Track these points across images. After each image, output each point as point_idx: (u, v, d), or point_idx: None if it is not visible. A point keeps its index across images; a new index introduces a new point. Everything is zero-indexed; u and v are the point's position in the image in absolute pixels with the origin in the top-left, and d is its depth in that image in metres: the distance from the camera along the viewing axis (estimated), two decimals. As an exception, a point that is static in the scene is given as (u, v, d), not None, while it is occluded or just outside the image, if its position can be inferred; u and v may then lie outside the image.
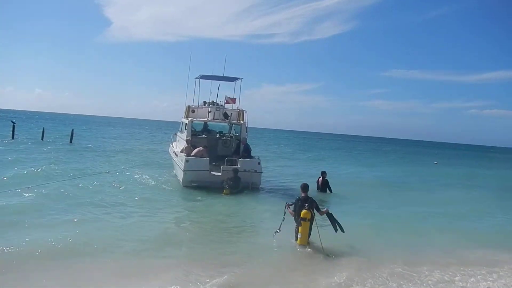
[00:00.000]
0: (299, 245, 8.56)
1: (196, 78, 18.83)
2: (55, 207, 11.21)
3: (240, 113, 18.34)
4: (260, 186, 16.41)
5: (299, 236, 8.55)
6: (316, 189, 16.90)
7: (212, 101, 18.63)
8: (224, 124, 19.02)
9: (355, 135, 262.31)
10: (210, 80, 19.19)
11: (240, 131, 18.02)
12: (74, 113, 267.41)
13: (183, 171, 15.39)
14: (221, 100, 18.53)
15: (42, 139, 35.79)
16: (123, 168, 19.42)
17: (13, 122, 37.49)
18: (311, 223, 8.50)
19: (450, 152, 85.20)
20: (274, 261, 8.22)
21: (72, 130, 37.63)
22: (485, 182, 27.14)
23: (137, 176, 17.61)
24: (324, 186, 17.11)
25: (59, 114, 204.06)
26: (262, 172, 16.30)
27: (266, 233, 9.69)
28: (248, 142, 17.58)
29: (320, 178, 17.31)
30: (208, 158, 15.83)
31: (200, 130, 18.98)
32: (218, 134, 19.00)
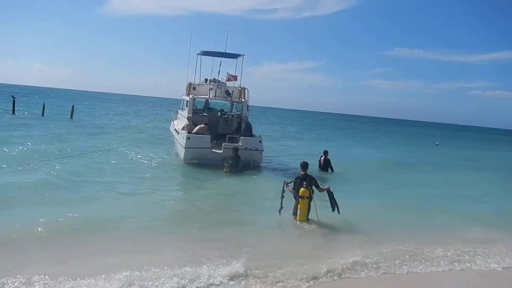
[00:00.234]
0: (298, 221, 8.80)
1: (198, 54, 18.58)
2: (56, 184, 11.20)
3: (242, 91, 18.17)
4: (262, 165, 16.39)
5: (298, 213, 8.79)
6: (318, 168, 16.99)
7: (214, 78, 18.45)
8: (226, 102, 18.86)
9: (356, 115, 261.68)
10: (212, 57, 18.94)
11: (242, 109, 17.87)
12: (75, 88, 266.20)
13: (184, 148, 15.36)
14: (222, 78, 18.37)
15: (42, 114, 35.69)
16: (123, 146, 19.36)
17: (14, 97, 37.34)
18: (310, 201, 8.70)
19: (451, 134, 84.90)
20: (276, 238, 8.36)
21: (73, 106, 37.50)
22: (488, 163, 26.88)
23: (138, 153, 17.55)
24: (325, 165, 17.13)
25: (59, 89, 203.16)
26: (263, 150, 16.26)
27: (267, 210, 9.80)
28: (250, 120, 17.47)
29: (322, 157, 17.33)
30: (209, 136, 15.78)
31: (201, 108, 18.82)
32: (219, 113, 18.86)
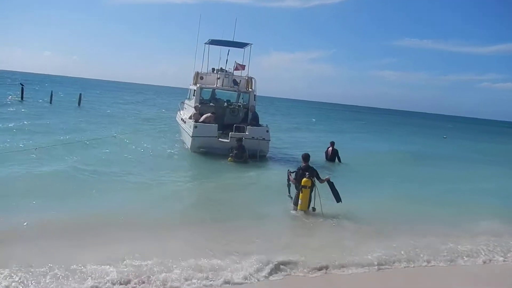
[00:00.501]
0: (299, 210, 8.99)
1: (206, 43, 18.47)
2: (64, 174, 11.19)
3: (249, 80, 18.06)
4: (268, 155, 16.34)
5: (299, 202, 8.98)
6: (325, 159, 17.06)
7: (221, 67, 18.35)
8: (232, 93, 18.77)
9: (363, 106, 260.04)
10: (219, 46, 18.80)
11: (249, 99, 17.78)
12: (83, 76, 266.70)
13: (192, 136, 15.36)
14: (230, 67, 18.27)
15: (50, 102, 35.90)
16: (129, 134, 19.39)
17: (22, 85, 37.65)
18: (311, 191, 8.92)
19: (462, 127, 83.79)
20: (281, 226, 8.51)
21: (80, 94, 37.72)
22: (502, 157, 26.48)
23: (144, 142, 17.60)
24: (333, 156, 17.13)
25: (68, 77, 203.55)
26: (270, 140, 16.21)
27: (274, 201, 9.83)
28: (256, 110, 17.40)
29: (330, 148, 17.32)
30: (216, 125, 15.77)
31: (207, 98, 18.74)
32: (226, 103, 18.80)
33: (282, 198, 9.54)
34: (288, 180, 9.36)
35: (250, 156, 15.23)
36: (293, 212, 9.08)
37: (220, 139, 15.52)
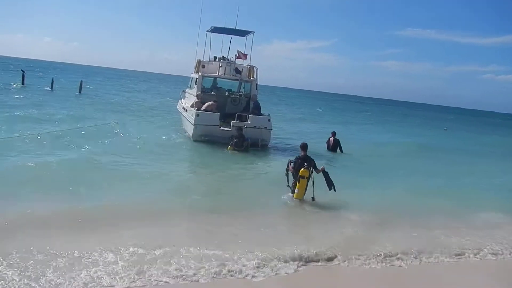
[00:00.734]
0: (295, 198, 9.14)
1: (208, 31, 18.34)
2: (67, 161, 11.15)
3: (251, 69, 17.98)
4: (270, 144, 16.33)
5: (296, 191, 9.14)
6: (326, 149, 17.14)
7: (223, 56, 18.25)
8: (233, 82, 18.70)
9: (364, 96, 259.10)
10: (221, 35, 18.66)
11: (250, 88, 17.73)
12: (84, 63, 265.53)
13: (194, 125, 15.35)
14: (231, 56, 18.16)
15: (51, 88, 35.87)
16: (130, 122, 19.39)
17: (23, 71, 37.60)
18: (308, 181, 9.07)
19: (464, 118, 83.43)
20: (283, 217, 8.62)
21: (81, 81, 37.67)
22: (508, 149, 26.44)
23: (145, 130, 17.65)
24: (334, 146, 17.19)
25: (69, 64, 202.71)
26: (272, 129, 16.20)
27: (274, 190, 9.85)
28: (260, 101, 17.35)
29: (331, 138, 17.37)
30: (218, 113, 15.76)
31: (209, 87, 18.67)
32: (227, 92, 18.74)
33: (282, 188, 9.53)
34: (287, 169, 9.43)
35: (251, 145, 15.22)
36: (285, 197, 9.24)
37: (222, 127, 15.51)
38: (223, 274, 5.45)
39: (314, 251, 6.31)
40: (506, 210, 10.11)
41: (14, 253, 5.37)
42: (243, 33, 18.55)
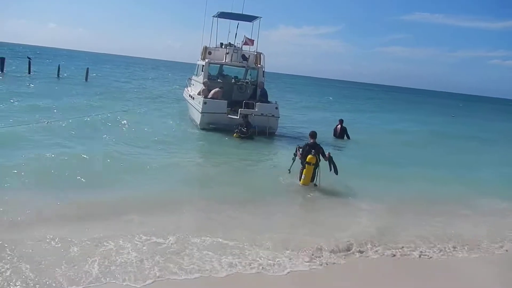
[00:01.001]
0: (301, 184, 9.28)
1: (214, 16, 18.13)
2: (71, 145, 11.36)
3: (258, 56, 17.81)
4: (277, 132, 16.25)
5: (302, 177, 9.29)
6: (333, 136, 17.20)
7: (229, 42, 18.07)
8: (240, 69, 18.55)
9: (371, 83, 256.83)
10: (227, 20, 18.44)
11: (257, 75, 17.58)
12: (89, 50, 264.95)
13: (201, 113, 15.30)
14: (238, 42, 17.98)
15: (58, 76, 35.87)
16: (137, 111, 19.35)
17: (29, 58, 37.53)
18: (315, 168, 9.22)
19: (473, 105, 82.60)
20: (291, 203, 8.66)
21: (87, 68, 37.56)
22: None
23: (152, 119, 17.63)
24: (341, 133, 17.24)
25: (74, 51, 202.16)
26: (279, 117, 16.12)
27: (281, 177, 9.91)
28: (267, 88, 17.24)
29: (338, 126, 17.41)
30: (226, 101, 15.69)
31: (215, 74, 18.54)
32: (233, 79, 18.59)
33: (286, 174, 9.74)
34: (295, 154, 9.63)
35: (259, 133, 15.20)
36: (281, 178, 9.55)
37: (229, 115, 15.45)
38: (237, 267, 5.38)
39: (329, 243, 6.27)
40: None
41: (29, 243, 5.41)
42: (249, 18, 18.33)
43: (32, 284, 4.52)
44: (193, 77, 20.16)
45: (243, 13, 18.01)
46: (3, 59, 34.89)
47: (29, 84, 26.81)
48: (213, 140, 14.46)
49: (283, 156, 12.06)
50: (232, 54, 17.45)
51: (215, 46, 18.28)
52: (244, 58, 17.51)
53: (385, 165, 12.92)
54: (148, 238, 5.86)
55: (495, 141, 22.76)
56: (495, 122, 39.72)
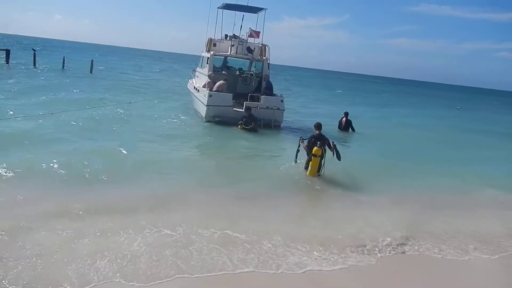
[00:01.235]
0: (308, 175, 9.42)
1: (219, 7, 18.02)
2: (77, 135, 11.45)
3: (263, 48, 17.72)
4: (282, 125, 16.22)
5: (309, 169, 9.45)
6: (338, 128, 17.30)
7: (234, 34, 17.98)
8: (244, 61, 18.46)
9: (376, 76, 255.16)
10: (232, 12, 18.30)
11: (262, 68, 17.51)
12: (93, 42, 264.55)
13: (206, 106, 15.29)
14: (243, 34, 17.89)
15: (63, 68, 35.93)
16: (142, 103, 19.30)
17: (34, 50, 37.56)
18: (321, 159, 9.36)
19: (481, 98, 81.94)
20: (301, 195, 8.77)
21: (92, 60, 37.49)
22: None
23: (157, 111, 17.62)
24: (346, 125, 17.32)
25: (80, 43, 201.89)
26: (284, 110, 16.09)
27: (289, 170, 9.93)
28: (272, 80, 17.16)
29: (343, 118, 17.47)
30: (231, 94, 15.67)
31: (219, 66, 18.47)
32: (238, 71, 18.53)
33: (296, 166, 9.79)
34: (299, 146, 9.75)
35: (264, 125, 15.22)
36: (282, 168, 9.75)
37: (234, 108, 15.45)
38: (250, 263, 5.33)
39: (341, 238, 6.25)
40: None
41: (39, 238, 5.44)
42: (255, 10, 18.20)
43: (42, 280, 4.52)
44: (198, 69, 20.10)
45: (248, 4, 17.90)
46: (8, 51, 35.01)
47: (34, 76, 26.87)
48: (218, 133, 14.46)
49: (289, 148, 12.07)
50: (237, 46, 17.37)
51: (220, 38, 18.20)
52: (249, 50, 17.43)
53: (391, 158, 12.90)
54: (158, 231, 5.90)
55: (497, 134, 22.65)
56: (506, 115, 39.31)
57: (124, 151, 10.35)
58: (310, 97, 36.21)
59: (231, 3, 17.71)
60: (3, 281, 4.43)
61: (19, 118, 12.51)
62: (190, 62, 48.07)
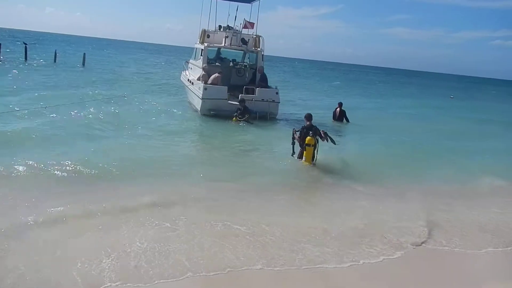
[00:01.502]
0: (303, 164, 9.74)
1: (212, -3, 17.61)
2: (72, 132, 11.20)
3: (257, 39, 17.40)
4: (278, 117, 16.04)
5: (303, 159, 9.81)
6: (332, 119, 17.29)
7: (228, 25, 17.62)
8: (237, 52, 18.15)
9: (373, 66, 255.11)
10: (227, 2, 17.93)
11: (257, 59, 17.21)
12: (85, 35, 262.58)
13: (201, 99, 15.04)
14: (237, 25, 17.54)
15: (54, 61, 35.45)
16: (135, 96, 19.07)
17: (25, 44, 37.07)
18: (315, 148, 9.66)
19: (475, 87, 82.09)
20: (296, 185, 8.74)
21: (84, 54, 37.12)
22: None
23: (151, 103, 17.40)
24: (341, 116, 17.30)
25: (71, 36, 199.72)
26: (279, 102, 15.90)
27: (283, 160, 10.10)
28: (266, 72, 16.89)
29: (337, 109, 17.43)
30: (226, 87, 15.44)
31: (212, 58, 18.16)
32: (231, 63, 18.22)
33: (293, 159, 9.86)
34: (293, 138, 9.93)
35: (260, 118, 15.04)
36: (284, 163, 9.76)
37: (229, 101, 15.19)
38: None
39: (338, 229, 6.19)
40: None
41: (41, 238, 5.34)
42: (248, 0, 17.82)
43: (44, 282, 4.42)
44: (191, 61, 19.75)
45: None
46: (-1, 44, 34.43)
47: (24, 71, 26.28)
48: (214, 126, 14.22)
49: (286, 140, 11.91)
50: (231, 38, 17.01)
51: (214, 29, 17.84)
52: (244, 41, 17.11)
53: (380, 145, 13.08)
54: (158, 226, 5.82)
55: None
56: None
57: (120, 147, 10.14)
58: (309, 89, 35.91)
59: None
60: (6, 282, 4.31)
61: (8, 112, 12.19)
62: (185, 54, 47.74)
